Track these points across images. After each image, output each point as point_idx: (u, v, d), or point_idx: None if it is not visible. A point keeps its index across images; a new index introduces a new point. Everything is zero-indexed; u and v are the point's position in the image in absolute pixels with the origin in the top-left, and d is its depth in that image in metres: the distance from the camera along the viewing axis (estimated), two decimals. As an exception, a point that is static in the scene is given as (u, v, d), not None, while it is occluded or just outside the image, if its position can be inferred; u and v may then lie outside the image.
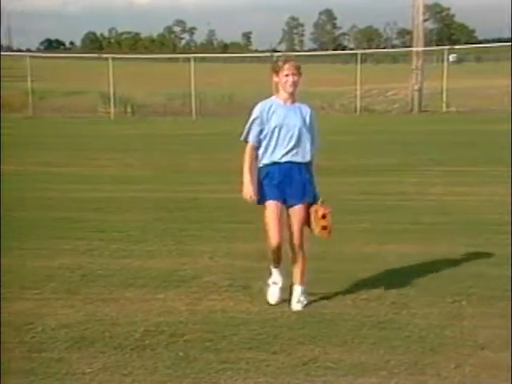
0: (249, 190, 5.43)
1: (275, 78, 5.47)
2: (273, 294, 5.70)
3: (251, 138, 5.48)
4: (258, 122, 5.45)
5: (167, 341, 4.93)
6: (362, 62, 34.80)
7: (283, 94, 5.48)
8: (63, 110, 34.13)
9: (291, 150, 5.43)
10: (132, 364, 4.52)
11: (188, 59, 35.47)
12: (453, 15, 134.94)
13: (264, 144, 5.47)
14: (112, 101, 33.50)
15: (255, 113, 5.47)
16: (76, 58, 54.66)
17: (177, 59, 51.45)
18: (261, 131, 5.46)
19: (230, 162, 15.52)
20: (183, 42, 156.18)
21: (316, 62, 58.37)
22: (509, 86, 31.65)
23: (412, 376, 4.31)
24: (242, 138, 5.53)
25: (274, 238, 5.42)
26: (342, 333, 5.01)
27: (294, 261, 5.58)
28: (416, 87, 33.38)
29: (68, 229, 8.62)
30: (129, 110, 34.26)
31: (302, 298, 5.59)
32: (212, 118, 30.97)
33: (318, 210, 5.46)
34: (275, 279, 5.71)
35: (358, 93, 33.75)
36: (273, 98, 5.55)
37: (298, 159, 5.45)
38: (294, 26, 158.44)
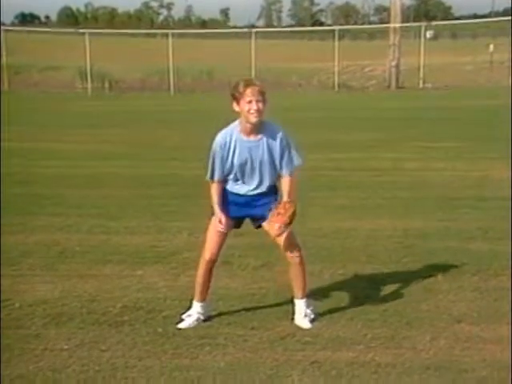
0: (221, 217, 4.76)
1: (236, 108, 4.55)
2: (185, 323, 4.83)
3: (216, 175, 4.73)
4: (219, 158, 4.67)
5: (145, 317, 4.94)
6: (339, 39, 34.80)
7: (246, 126, 4.59)
8: (39, 85, 33.83)
9: (257, 186, 4.75)
10: (110, 340, 4.53)
11: (166, 35, 35.23)
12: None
13: (230, 177, 4.76)
14: (89, 76, 33.23)
15: (215, 149, 4.67)
16: (52, 33, 53.96)
17: (154, 35, 51.08)
18: (224, 166, 4.70)
19: (208, 138, 15.48)
20: (161, 17, 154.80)
21: (294, 39, 58.26)
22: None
23: (388, 349, 4.37)
24: (208, 177, 4.76)
25: (211, 250, 4.86)
26: (320, 307, 5.04)
27: (295, 272, 4.89)
28: (393, 64, 33.47)
29: (44, 205, 8.57)
30: (106, 85, 34.02)
31: (308, 311, 4.87)
32: (190, 94, 30.81)
33: (288, 207, 4.69)
34: (196, 311, 4.88)
35: (336, 69, 33.76)
36: (234, 127, 4.66)
37: (264, 190, 4.77)
38: (272, 2, 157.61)
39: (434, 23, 49.53)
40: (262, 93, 4.48)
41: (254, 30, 38.40)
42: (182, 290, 5.45)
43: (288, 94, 30.97)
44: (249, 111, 4.49)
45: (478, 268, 5.91)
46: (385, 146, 13.61)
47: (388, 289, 5.48)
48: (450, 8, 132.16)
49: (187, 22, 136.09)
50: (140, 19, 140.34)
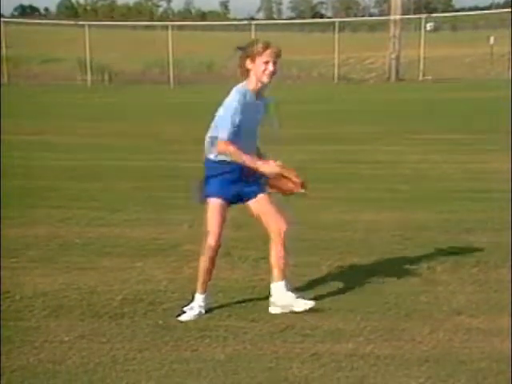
0: (270, 163, 4.65)
1: (249, 64, 4.57)
2: (186, 316, 4.79)
3: (232, 135, 4.53)
4: (239, 112, 4.53)
5: (146, 309, 4.94)
6: (339, 31, 34.75)
7: (257, 85, 4.61)
8: (39, 77, 33.79)
9: (252, 150, 4.71)
10: (110, 332, 4.54)
11: (166, 27, 35.17)
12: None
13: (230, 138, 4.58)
14: (89, 69, 33.19)
15: (235, 106, 4.53)
16: (51, 25, 53.86)
17: (154, 27, 50.98)
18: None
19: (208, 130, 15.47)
20: (160, 9, 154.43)
21: (294, 31, 58.13)
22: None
23: (388, 342, 4.37)
24: (226, 137, 4.53)
25: (215, 235, 4.78)
26: (319, 300, 5.05)
27: (279, 254, 4.81)
28: (393, 56, 33.42)
29: (44, 197, 8.57)
30: (106, 77, 33.98)
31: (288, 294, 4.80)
32: (190, 86, 30.77)
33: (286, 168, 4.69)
34: (198, 304, 4.83)
35: (336, 61, 33.71)
36: (245, 85, 4.64)
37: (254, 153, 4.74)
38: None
39: (434, 15, 49.41)
40: (278, 56, 4.57)
41: (254, 22, 38.34)
42: (183, 283, 5.45)
43: (288, 87, 30.93)
44: (264, 71, 4.55)
45: (478, 260, 5.92)
46: (385, 138, 13.60)
47: (387, 281, 5.48)
48: (450, 0, 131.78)
49: (187, 14, 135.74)
50: (139, 11, 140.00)
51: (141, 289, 5.35)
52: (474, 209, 7.77)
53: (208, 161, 4.80)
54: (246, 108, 4.57)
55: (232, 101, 4.58)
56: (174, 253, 6.30)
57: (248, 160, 4.59)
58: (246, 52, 4.57)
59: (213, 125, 4.73)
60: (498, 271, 5.66)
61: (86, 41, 33.12)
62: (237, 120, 4.52)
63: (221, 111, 4.64)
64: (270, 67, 4.54)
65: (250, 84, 4.63)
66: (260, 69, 4.54)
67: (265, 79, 4.58)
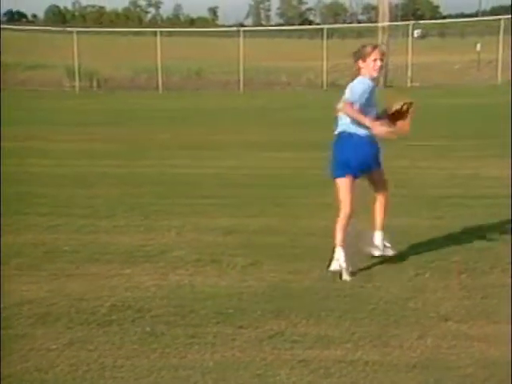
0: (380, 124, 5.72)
1: (361, 64, 5.70)
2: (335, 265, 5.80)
3: (358, 105, 5.61)
4: (366, 94, 5.65)
5: (134, 316, 4.93)
6: (328, 37, 34.84)
7: (369, 78, 5.71)
8: (27, 83, 33.66)
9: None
10: (98, 339, 4.53)
11: (154, 33, 35.16)
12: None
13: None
14: (77, 75, 33.12)
15: (364, 88, 5.65)
16: (39, 31, 53.69)
17: (143, 33, 50.90)
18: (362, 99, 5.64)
19: (196, 136, 15.48)
20: (149, 16, 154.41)
21: (282, 37, 58.24)
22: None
23: (376, 348, 4.38)
24: (352, 98, 5.63)
25: (349, 205, 5.94)
26: (308, 306, 5.06)
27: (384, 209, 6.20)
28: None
29: (32, 204, 8.54)
30: (94, 84, 33.89)
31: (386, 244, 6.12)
32: (178, 93, 30.76)
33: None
34: (341, 255, 5.80)
35: (325, 68, 33.79)
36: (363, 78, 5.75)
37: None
38: (260, 1, 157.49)
39: (421, 22, 49.65)
40: (383, 54, 5.68)
41: (243, 28, 38.38)
42: (171, 289, 5.45)
43: (277, 93, 30.98)
44: (373, 67, 5.66)
45: (466, 266, 5.94)
46: (373, 144, 13.61)
47: (376, 287, 5.49)
48: (437, 7, 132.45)
49: (176, 20, 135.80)
50: (128, 18, 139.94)
51: (129, 296, 5.34)
52: (461, 215, 7.80)
53: (342, 133, 5.86)
54: (370, 94, 5.68)
55: (358, 83, 5.69)
56: (162, 259, 6.29)
57: (366, 120, 5.61)
58: (358, 55, 5.69)
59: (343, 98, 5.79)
60: (485, 277, 5.68)
61: (74, 47, 33.06)
62: (364, 96, 5.61)
63: (347, 92, 5.71)
64: (378, 63, 5.65)
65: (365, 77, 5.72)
66: (370, 66, 5.65)
67: (374, 73, 5.70)
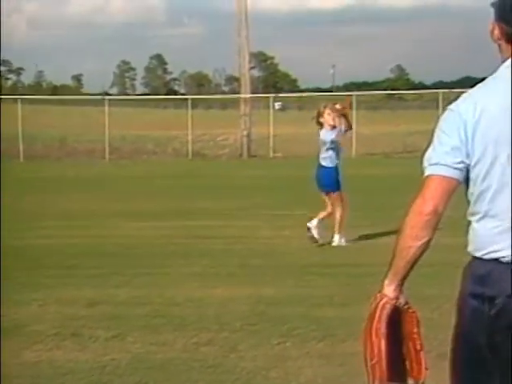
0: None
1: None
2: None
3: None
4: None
5: (-10, 395, 4.74)
6: (192, 108, 35.40)
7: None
8: None
9: None
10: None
11: (15, 101, 34.49)
12: (277, 64, 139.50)
13: None
14: None
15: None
16: None
17: (3, 100, 49.73)
18: None
19: (61, 205, 15.19)
20: (9, 82, 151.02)
21: (148, 107, 58.55)
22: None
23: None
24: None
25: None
26: (173, 378, 5.04)
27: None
28: (245, 133, 34.34)
29: None
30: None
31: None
32: (41, 161, 30.14)
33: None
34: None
35: (190, 137, 34.22)
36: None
37: None
38: (125, 70, 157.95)
39: (281, 95, 51.45)
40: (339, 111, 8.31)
41: (108, 97, 38.35)
42: (28, 366, 5.27)
43: (143, 162, 31.00)
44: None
45: (325, 334, 6.11)
46: (238, 213, 13.87)
47: (239, 357, 5.55)
48: (295, 81, 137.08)
49: (38, 87, 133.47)
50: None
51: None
52: (321, 283, 8.05)
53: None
54: None
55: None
56: (20, 333, 6.07)
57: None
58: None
59: None
60: (344, 345, 5.85)
61: None
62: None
63: None
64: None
65: None
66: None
67: None
